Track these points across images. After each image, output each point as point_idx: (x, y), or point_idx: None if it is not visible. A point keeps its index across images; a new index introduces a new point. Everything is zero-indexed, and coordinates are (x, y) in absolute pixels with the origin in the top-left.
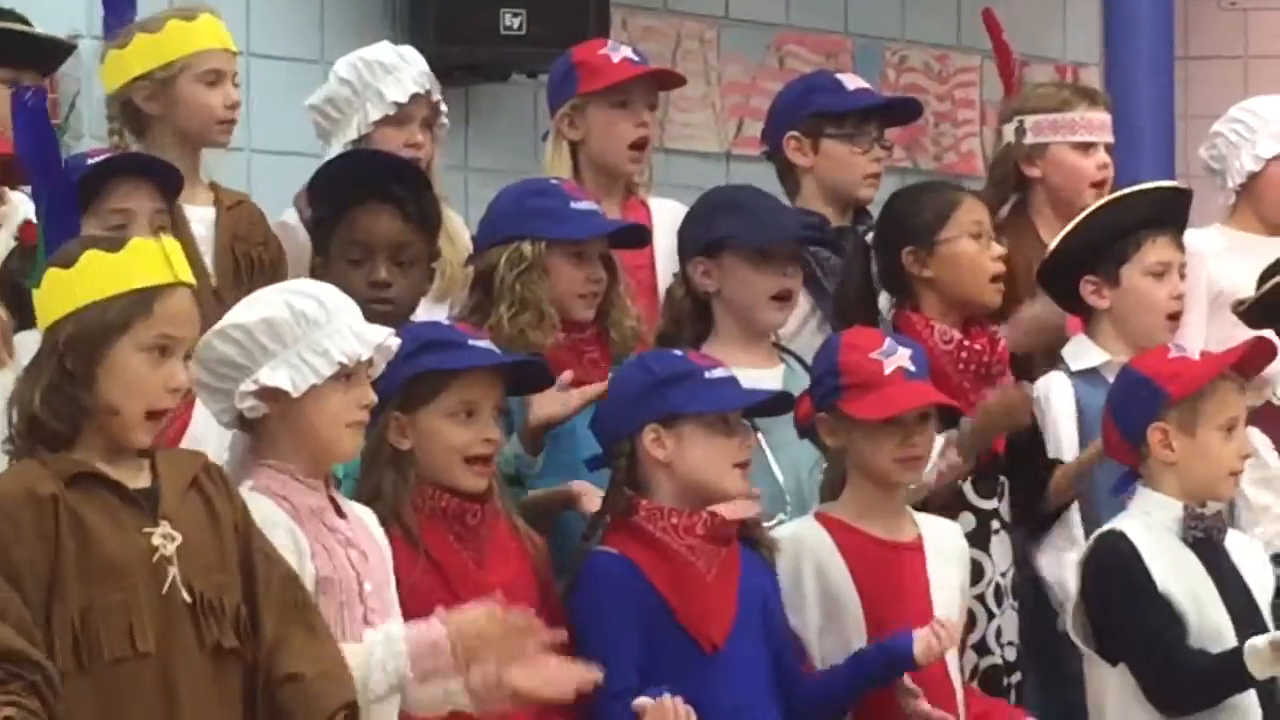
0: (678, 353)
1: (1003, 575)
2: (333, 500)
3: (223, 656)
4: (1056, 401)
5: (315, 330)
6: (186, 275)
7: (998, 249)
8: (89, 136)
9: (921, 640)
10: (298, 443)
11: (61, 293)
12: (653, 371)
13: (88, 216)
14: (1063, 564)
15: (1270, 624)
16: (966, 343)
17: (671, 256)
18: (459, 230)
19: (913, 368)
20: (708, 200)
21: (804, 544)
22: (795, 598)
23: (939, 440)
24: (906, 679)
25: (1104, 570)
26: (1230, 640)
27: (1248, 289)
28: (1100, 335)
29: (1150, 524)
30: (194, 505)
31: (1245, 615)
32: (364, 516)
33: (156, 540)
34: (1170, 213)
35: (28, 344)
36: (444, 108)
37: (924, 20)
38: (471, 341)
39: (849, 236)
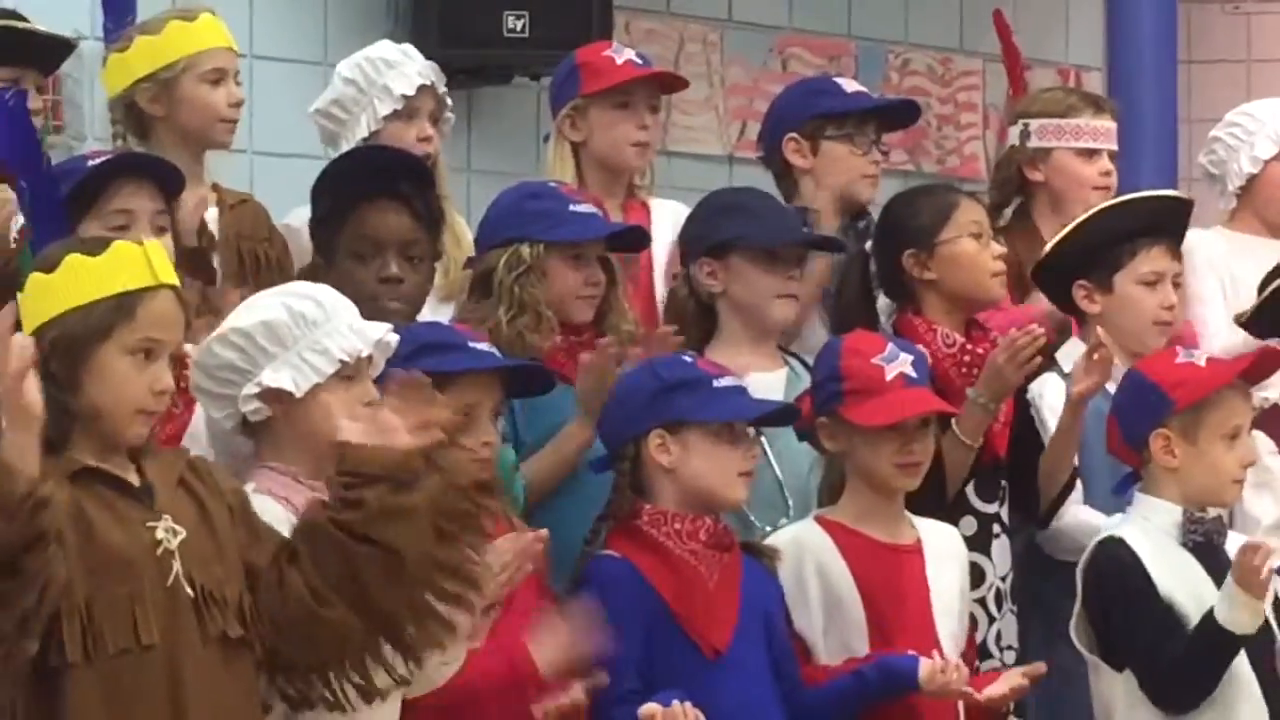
0: (687, 358)
1: (1002, 579)
2: None
3: (231, 646)
4: (1051, 402)
5: (314, 330)
6: (169, 277)
7: (997, 248)
8: (92, 139)
9: (927, 668)
10: (301, 444)
11: (44, 297)
12: (661, 377)
13: (90, 218)
14: (1078, 513)
15: (1274, 625)
16: (969, 346)
17: (671, 256)
18: (464, 231)
19: (914, 374)
20: (711, 202)
21: (805, 546)
22: (799, 599)
23: None
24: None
25: (1104, 577)
26: None
27: (1249, 289)
28: (1092, 338)
29: (1149, 529)
30: (184, 501)
31: None
32: None
33: (160, 534)
34: (1169, 221)
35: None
36: (449, 102)
37: (927, 23)
38: (471, 344)
39: (850, 236)
